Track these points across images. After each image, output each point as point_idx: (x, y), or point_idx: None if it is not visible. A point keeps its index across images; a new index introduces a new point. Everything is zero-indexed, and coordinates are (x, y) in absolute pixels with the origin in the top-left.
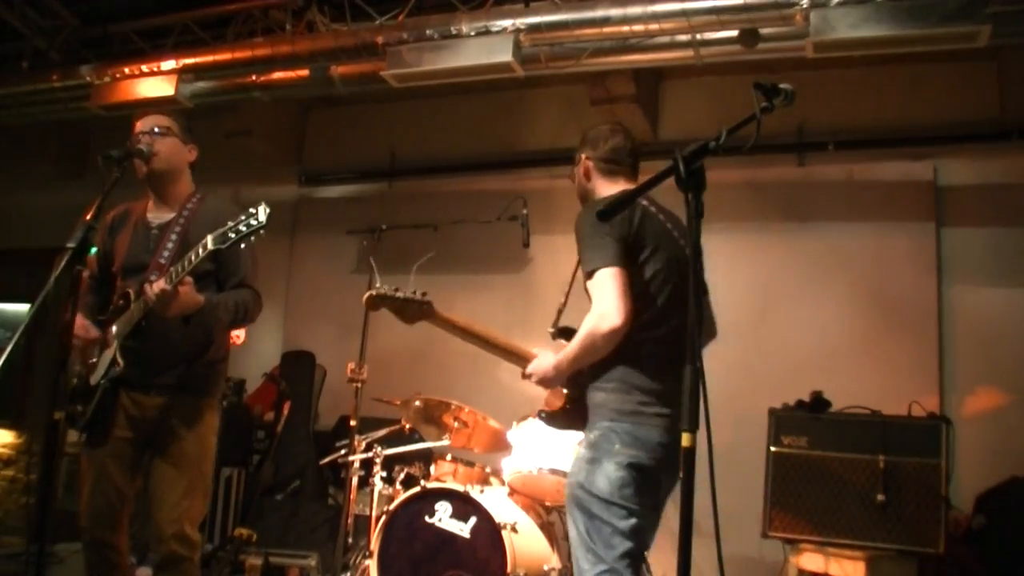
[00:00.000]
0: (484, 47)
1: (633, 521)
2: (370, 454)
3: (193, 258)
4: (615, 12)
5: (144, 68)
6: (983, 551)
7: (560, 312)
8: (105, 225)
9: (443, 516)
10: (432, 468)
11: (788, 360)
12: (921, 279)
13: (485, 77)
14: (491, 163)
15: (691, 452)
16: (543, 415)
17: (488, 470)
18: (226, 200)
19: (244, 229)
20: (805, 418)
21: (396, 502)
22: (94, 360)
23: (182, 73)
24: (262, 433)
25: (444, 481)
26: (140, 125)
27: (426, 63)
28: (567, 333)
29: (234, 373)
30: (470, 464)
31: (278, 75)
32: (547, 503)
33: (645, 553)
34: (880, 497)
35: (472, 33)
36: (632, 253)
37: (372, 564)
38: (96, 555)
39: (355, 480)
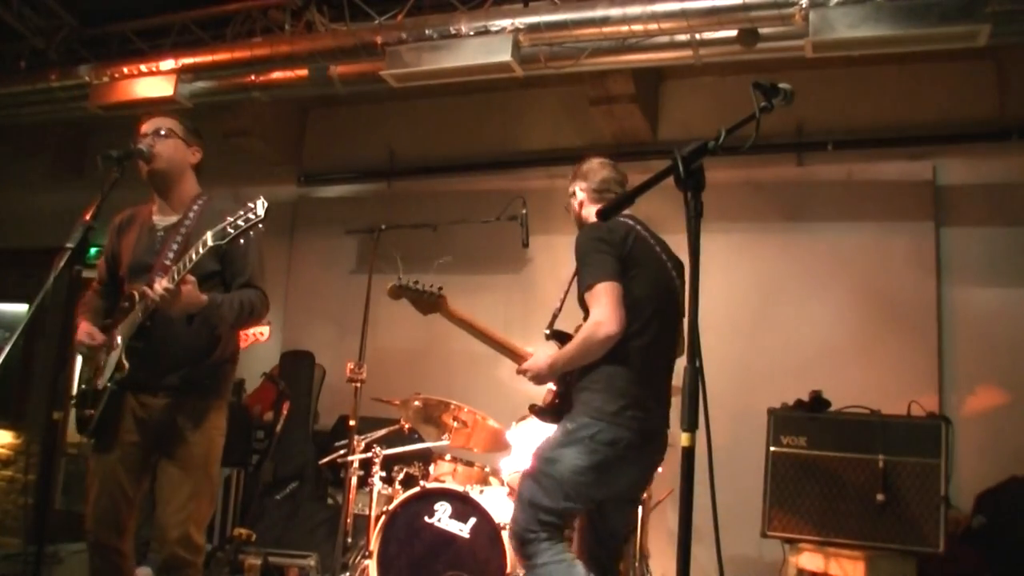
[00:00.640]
0: (483, 47)
1: (570, 505)
2: (369, 454)
3: (194, 255)
4: (614, 12)
5: (143, 68)
6: (983, 551)
7: (555, 316)
8: (112, 229)
9: (443, 516)
10: (431, 468)
11: (787, 360)
12: (920, 279)
13: (484, 77)
14: (490, 163)
15: (690, 452)
16: (534, 409)
17: (487, 470)
18: (231, 201)
19: (243, 223)
20: (804, 418)
21: (395, 502)
22: (102, 365)
23: (181, 73)
24: (261, 433)
25: (443, 481)
26: (145, 127)
27: (425, 63)
28: (560, 336)
29: None
30: (469, 464)
31: (277, 75)
32: None
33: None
34: (880, 497)
35: (471, 33)
36: (625, 270)
37: (371, 564)
38: (101, 559)
39: (354, 480)
